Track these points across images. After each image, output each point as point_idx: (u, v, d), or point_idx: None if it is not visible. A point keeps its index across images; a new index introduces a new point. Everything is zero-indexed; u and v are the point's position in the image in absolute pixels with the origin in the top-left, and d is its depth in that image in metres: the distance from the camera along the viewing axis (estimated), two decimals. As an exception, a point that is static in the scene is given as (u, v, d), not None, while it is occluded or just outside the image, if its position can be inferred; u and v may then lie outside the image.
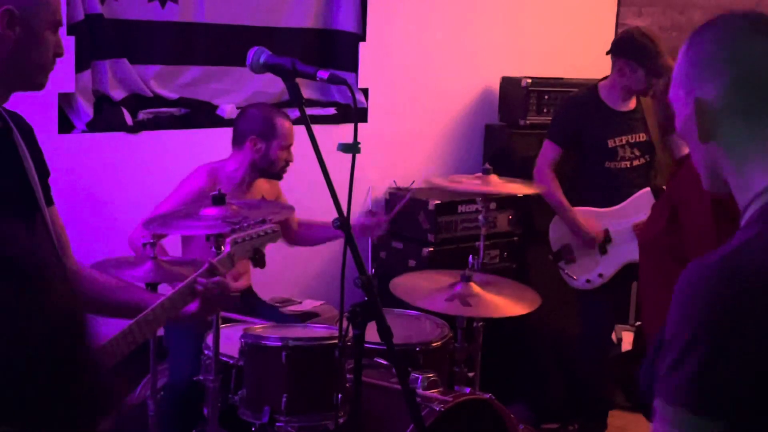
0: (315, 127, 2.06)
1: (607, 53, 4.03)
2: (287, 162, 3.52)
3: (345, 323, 2.07)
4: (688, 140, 1.33)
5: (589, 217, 4.05)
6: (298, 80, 2.04)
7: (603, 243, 4.05)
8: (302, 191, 3.79)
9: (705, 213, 2.38)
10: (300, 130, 3.89)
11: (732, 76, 1.26)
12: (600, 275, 4.05)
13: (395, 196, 4.46)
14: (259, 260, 2.34)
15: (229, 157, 3.53)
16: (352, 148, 1.89)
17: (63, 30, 3.45)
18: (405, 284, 3.33)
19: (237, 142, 3.51)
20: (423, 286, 3.32)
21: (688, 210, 2.46)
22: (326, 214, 3.66)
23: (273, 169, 3.51)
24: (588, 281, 4.07)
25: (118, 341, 2.00)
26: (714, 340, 1.17)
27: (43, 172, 2.08)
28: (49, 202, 2.07)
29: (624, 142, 4.01)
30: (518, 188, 3.66)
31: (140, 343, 2.04)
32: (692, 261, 1.23)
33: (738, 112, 1.26)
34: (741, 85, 1.26)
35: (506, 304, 3.27)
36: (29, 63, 1.93)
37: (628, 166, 4.02)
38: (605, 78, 4.07)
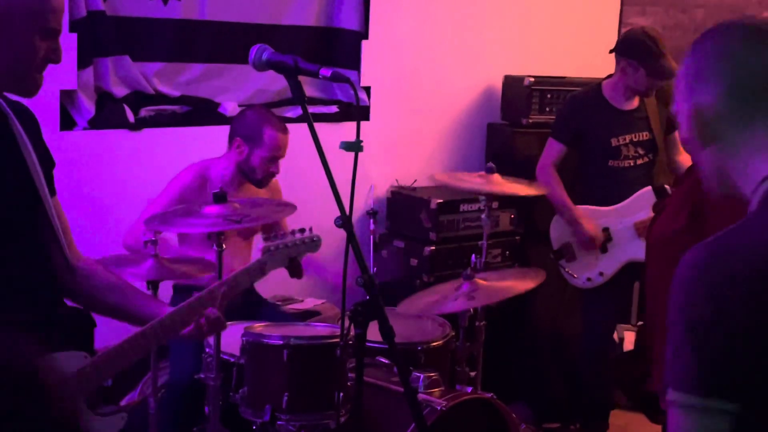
0: (317, 125, 2.05)
1: (611, 52, 4.02)
2: (271, 173, 3.49)
3: (347, 322, 2.06)
4: (692, 147, 1.41)
5: (590, 215, 4.04)
6: (301, 78, 2.03)
7: (604, 241, 4.04)
8: (304, 189, 3.79)
9: (732, 208, 2.33)
10: (302, 128, 3.89)
11: (727, 83, 1.34)
12: (601, 274, 4.05)
13: (398, 194, 4.45)
14: (295, 270, 2.30)
15: (222, 155, 3.53)
16: (354, 147, 1.88)
17: (65, 27, 3.46)
18: (414, 305, 3.30)
19: (229, 140, 3.52)
20: (430, 302, 3.29)
21: (715, 207, 2.40)
22: (328, 212, 3.65)
23: (253, 175, 3.48)
24: (589, 280, 4.07)
25: (122, 350, 2.00)
26: (709, 320, 1.21)
27: (47, 162, 2.07)
28: (52, 192, 2.06)
29: (627, 140, 4.00)
30: (521, 189, 3.64)
31: (140, 356, 2.03)
32: (690, 249, 1.28)
33: (735, 116, 1.34)
34: (736, 92, 1.33)
35: (510, 285, 3.25)
36: (8, 66, 1.90)
37: (631, 164, 4.02)
38: (609, 76, 4.06)
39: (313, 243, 2.38)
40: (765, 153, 1.33)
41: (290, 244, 2.31)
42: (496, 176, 3.55)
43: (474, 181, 3.56)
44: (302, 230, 2.38)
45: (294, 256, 2.32)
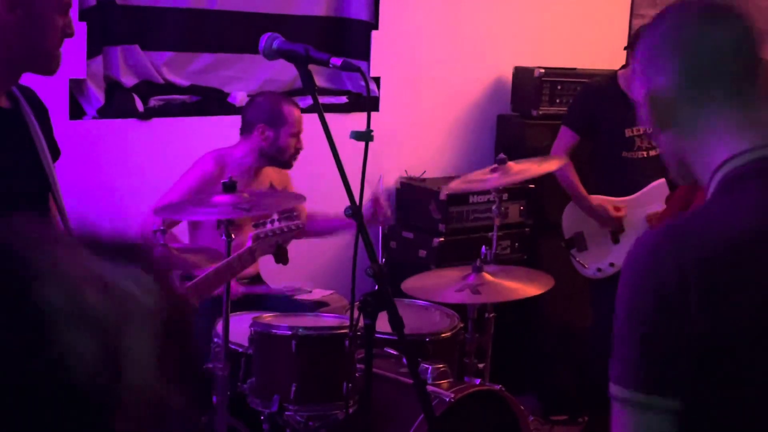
0: (326, 116, 2.03)
1: (625, 48, 4.00)
2: (297, 150, 3.50)
3: (356, 313, 2.05)
4: (651, 130, 1.36)
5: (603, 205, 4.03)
6: (310, 68, 2.02)
7: (615, 232, 4.03)
8: (313, 180, 3.78)
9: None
10: (312, 119, 3.87)
11: (681, 64, 1.29)
12: (611, 264, 4.03)
13: (407, 185, 4.43)
14: (281, 256, 2.32)
15: (237, 144, 3.52)
16: (365, 136, 1.87)
17: (75, 15, 3.45)
18: (417, 284, 3.30)
19: (245, 130, 3.50)
20: (435, 284, 3.29)
21: None
22: (337, 202, 3.64)
23: (282, 156, 3.48)
24: (599, 270, 4.05)
25: None
26: (653, 312, 1.16)
27: (53, 153, 2.07)
28: None
29: (641, 132, 3.98)
30: (536, 169, 3.60)
31: None
32: (643, 232, 1.24)
33: (689, 99, 1.29)
34: (690, 72, 1.28)
35: (518, 287, 3.24)
36: (33, 46, 1.91)
37: (645, 156, 4.00)
38: (624, 67, 4.04)
39: (299, 229, 2.40)
40: (720, 139, 1.27)
41: (278, 231, 2.33)
42: (509, 165, 3.50)
43: (487, 178, 3.52)
44: (288, 217, 2.39)
45: (281, 242, 2.34)
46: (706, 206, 1.25)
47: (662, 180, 3.96)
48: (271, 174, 3.58)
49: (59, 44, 1.94)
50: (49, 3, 1.90)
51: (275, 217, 2.37)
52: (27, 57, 1.92)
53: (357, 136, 1.87)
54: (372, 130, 1.89)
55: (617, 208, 3.98)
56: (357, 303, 2.03)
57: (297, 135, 3.48)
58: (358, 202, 1.94)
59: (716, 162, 1.26)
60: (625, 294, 1.20)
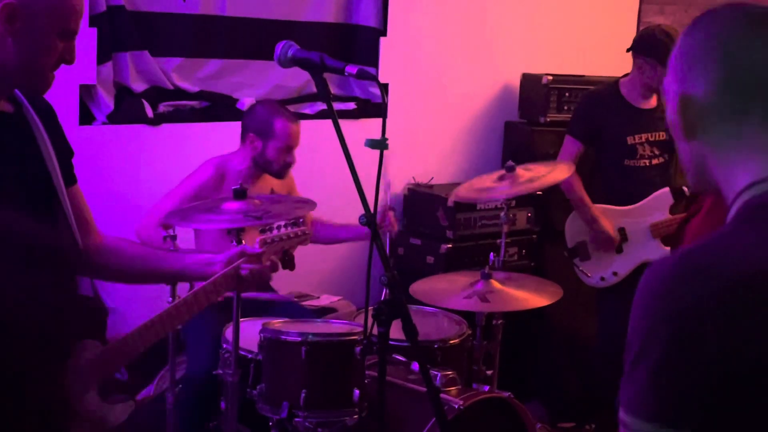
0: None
1: (628, 50, 4.00)
2: (287, 163, 3.50)
3: (370, 320, 2.05)
4: (674, 133, 1.28)
5: (607, 214, 4.02)
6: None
7: (619, 241, 4.03)
8: (321, 187, 3.78)
9: None
10: (320, 125, 3.87)
11: (722, 74, 1.20)
12: (615, 273, 4.03)
13: (414, 192, 4.43)
14: (288, 262, 2.33)
15: (237, 150, 3.54)
16: (379, 144, 1.87)
17: (84, 22, 3.47)
18: (425, 288, 3.30)
19: (241, 136, 3.52)
20: (443, 288, 3.30)
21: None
22: (347, 209, 3.65)
23: (270, 168, 3.49)
24: (602, 279, 4.05)
25: (133, 339, 2.02)
26: (668, 343, 1.10)
27: (66, 152, 2.08)
28: (72, 181, 2.08)
29: (643, 139, 3.98)
30: (545, 180, 3.59)
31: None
32: (655, 260, 1.17)
33: (725, 111, 1.20)
34: (730, 84, 1.20)
35: (527, 297, 3.24)
36: (27, 60, 1.90)
37: (647, 164, 3.99)
38: (626, 75, 4.04)
39: (305, 236, 2.41)
40: (750, 160, 1.19)
41: (284, 237, 2.33)
42: (518, 171, 3.49)
43: (495, 187, 3.51)
44: (295, 223, 2.39)
45: (287, 248, 2.35)
46: (725, 234, 1.17)
47: (666, 189, 3.96)
48: (271, 180, 3.57)
49: (54, 67, 1.94)
50: (50, 23, 1.89)
51: (282, 222, 2.37)
52: (19, 70, 1.92)
53: (372, 144, 1.87)
54: (387, 138, 1.89)
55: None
56: (371, 310, 2.03)
57: (287, 149, 3.47)
58: (372, 210, 1.94)
59: (740, 184, 1.19)
60: (637, 323, 1.14)
